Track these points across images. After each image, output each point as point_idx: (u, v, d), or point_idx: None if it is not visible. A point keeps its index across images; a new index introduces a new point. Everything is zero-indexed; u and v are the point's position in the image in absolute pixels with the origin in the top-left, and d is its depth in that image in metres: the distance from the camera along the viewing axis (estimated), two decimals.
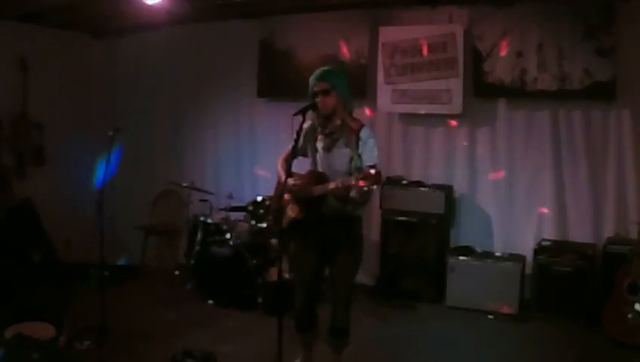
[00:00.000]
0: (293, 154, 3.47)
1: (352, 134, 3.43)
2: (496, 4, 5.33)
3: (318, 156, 3.55)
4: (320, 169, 3.54)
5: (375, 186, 3.14)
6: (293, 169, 3.47)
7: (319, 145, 3.54)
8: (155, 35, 6.69)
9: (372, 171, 3.07)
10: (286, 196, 3.56)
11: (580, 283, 4.88)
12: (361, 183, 3.07)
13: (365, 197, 3.35)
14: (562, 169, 5.31)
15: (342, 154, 3.45)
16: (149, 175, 6.81)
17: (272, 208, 3.90)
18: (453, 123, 5.64)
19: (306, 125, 3.58)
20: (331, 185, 3.31)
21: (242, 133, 6.57)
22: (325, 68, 3.61)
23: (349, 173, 3.36)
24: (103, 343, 4.30)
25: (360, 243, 3.64)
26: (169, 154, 6.87)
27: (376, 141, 3.48)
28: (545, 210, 5.39)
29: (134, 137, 6.50)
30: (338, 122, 3.48)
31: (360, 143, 3.40)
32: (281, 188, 3.50)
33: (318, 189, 3.40)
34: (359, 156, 3.35)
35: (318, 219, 3.47)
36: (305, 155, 3.67)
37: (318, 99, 3.45)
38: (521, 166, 5.48)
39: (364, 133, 3.44)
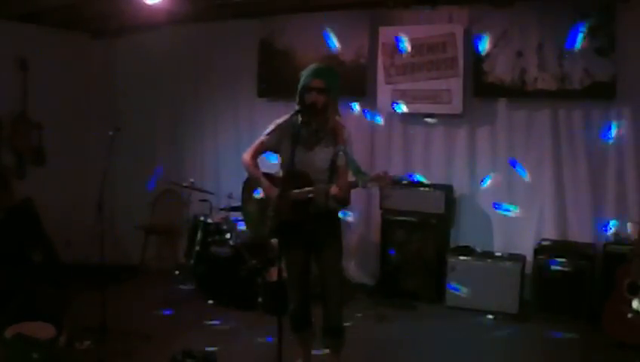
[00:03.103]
0: (265, 149, 3.58)
1: (336, 135, 3.45)
2: (496, 4, 5.33)
3: (298, 153, 3.40)
4: (297, 165, 3.42)
5: (384, 187, 3.25)
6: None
7: (301, 142, 3.43)
8: (154, 34, 6.69)
9: (380, 173, 3.20)
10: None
11: (580, 283, 4.88)
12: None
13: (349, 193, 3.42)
14: (562, 168, 5.31)
15: (324, 153, 3.46)
16: (149, 175, 6.81)
17: (251, 215, 3.83)
18: None
19: (280, 120, 3.58)
20: (333, 190, 3.31)
21: (242, 133, 6.55)
22: (323, 66, 3.60)
23: (329, 172, 3.44)
24: (103, 343, 4.30)
25: (341, 237, 3.66)
26: (169, 154, 6.87)
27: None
28: (545, 210, 5.39)
29: (134, 137, 6.50)
30: (324, 121, 3.47)
31: (347, 145, 3.44)
32: (277, 191, 3.49)
33: (315, 191, 3.38)
34: (346, 154, 3.38)
35: (304, 219, 3.46)
36: (275, 151, 3.64)
37: (310, 95, 3.43)
38: (520, 166, 5.48)
39: (346, 135, 3.48)
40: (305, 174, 3.43)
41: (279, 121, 3.60)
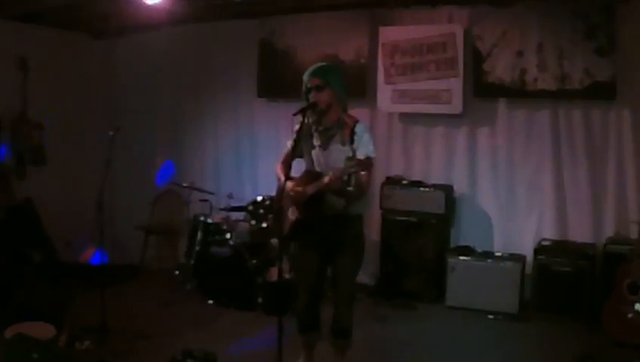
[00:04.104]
0: (293, 155, 3.46)
1: (347, 130, 3.43)
2: (496, 3, 5.33)
3: (314, 154, 3.50)
4: (317, 167, 3.49)
5: (364, 171, 3.17)
6: (292, 171, 3.46)
7: (315, 143, 3.51)
8: (154, 35, 6.69)
9: (361, 157, 3.08)
10: (285, 200, 3.52)
11: (580, 283, 4.87)
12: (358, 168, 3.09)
13: (362, 189, 3.36)
14: (562, 169, 5.31)
15: (339, 151, 3.42)
16: (149, 175, 6.81)
17: (274, 211, 3.89)
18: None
19: (297, 126, 3.58)
20: (325, 180, 3.27)
21: (242, 133, 6.56)
22: (319, 64, 3.60)
23: None
24: (103, 343, 4.30)
25: (361, 242, 3.63)
26: (169, 154, 6.87)
27: (371, 136, 3.48)
28: (545, 210, 5.39)
29: (134, 137, 6.50)
30: (333, 119, 3.47)
31: (355, 138, 3.39)
32: (281, 191, 3.49)
33: (311, 187, 3.36)
34: (353, 151, 3.34)
35: (318, 219, 3.45)
36: (301, 156, 3.63)
37: (311, 95, 3.44)
38: (521, 165, 5.48)
39: (358, 128, 3.43)
40: (318, 174, 3.41)
41: (297, 126, 3.57)
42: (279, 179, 3.61)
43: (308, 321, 3.68)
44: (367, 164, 3.11)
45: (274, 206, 3.84)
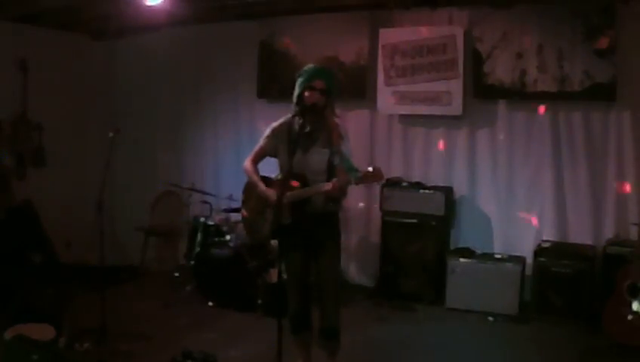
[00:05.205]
0: (266, 154, 3.62)
1: (332, 134, 3.45)
2: (496, 5, 5.34)
3: (296, 156, 3.40)
4: (296, 169, 3.41)
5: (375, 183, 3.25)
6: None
7: (298, 144, 3.43)
8: (155, 36, 6.69)
9: (370, 169, 3.12)
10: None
11: (580, 285, 4.87)
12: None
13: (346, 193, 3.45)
14: (562, 170, 5.31)
15: (320, 154, 3.45)
16: (149, 176, 6.81)
17: (250, 218, 3.86)
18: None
19: (276, 124, 3.60)
20: (328, 187, 3.30)
21: (242, 134, 6.56)
22: (323, 67, 3.64)
23: (327, 173, 3.42)
24: (103, 344, 4.30)
25: (339, 238, 3.66)
26: (169, 155, 6.87)
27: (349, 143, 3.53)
28: (545, 212, 5.39)
29: (134, 138, 6.50)
30: (322, 122, 3.48)
31: (342, 142, 3.43)
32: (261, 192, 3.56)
33: (306, 192, 3.39)
34: (341, 154, 3.38)
35: (302, 220, 3.46)
36: (274, 155, 3.64)
37: (310, 95, 3.44)
38: (521, 167, 5.48)
39: (342, 131, 3.48)
40: (301, 176, 3.44)
41: (275, 124, 3.63)
42: (250, 177, 3.69)
43: (300, 321, 3.68)
44: (380, 177, 3.22)
45: (251, 213, 3.83)
